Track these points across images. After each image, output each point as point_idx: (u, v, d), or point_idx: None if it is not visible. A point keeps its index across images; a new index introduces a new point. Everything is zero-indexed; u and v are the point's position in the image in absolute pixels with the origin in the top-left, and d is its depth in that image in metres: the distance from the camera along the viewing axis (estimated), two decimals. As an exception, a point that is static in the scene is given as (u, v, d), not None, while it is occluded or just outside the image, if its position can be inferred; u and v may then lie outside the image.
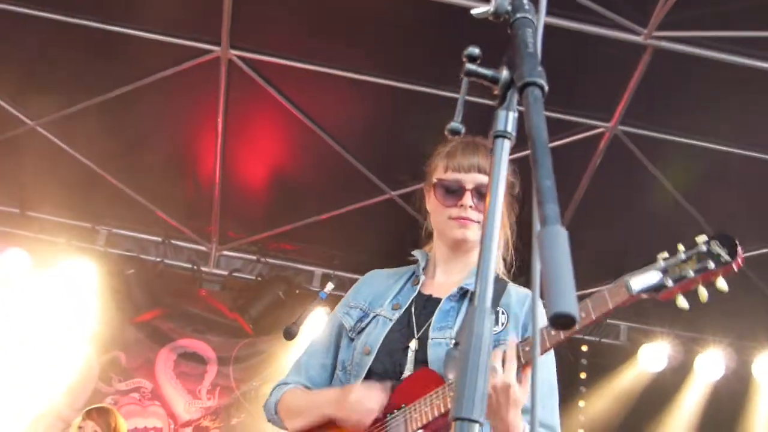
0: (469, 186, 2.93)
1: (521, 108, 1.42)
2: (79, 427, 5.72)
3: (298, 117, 6.51)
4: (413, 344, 2.86)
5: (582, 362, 8.28)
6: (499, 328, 2.86)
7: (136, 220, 7.99)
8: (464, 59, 1.48)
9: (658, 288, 2.53)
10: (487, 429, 2.75)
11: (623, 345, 8.51)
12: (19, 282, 7.75)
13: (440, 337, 2.84)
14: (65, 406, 7.77)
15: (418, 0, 5.62)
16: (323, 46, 6.01)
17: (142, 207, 7.66)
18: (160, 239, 8.15)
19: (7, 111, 6.76)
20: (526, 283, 3.05)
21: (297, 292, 8.11)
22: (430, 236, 3.20)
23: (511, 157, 1.39)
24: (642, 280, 2.53)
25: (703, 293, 2.51)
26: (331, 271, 8.07)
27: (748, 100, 5.90)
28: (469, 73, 1.47)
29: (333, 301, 6.21)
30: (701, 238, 2.55)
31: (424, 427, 2.68)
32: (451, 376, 2.69)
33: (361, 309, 3.07)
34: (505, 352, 2.55)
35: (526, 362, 2.55)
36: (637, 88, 5.86)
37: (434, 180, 3.03)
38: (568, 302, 1.07)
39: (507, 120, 1.41)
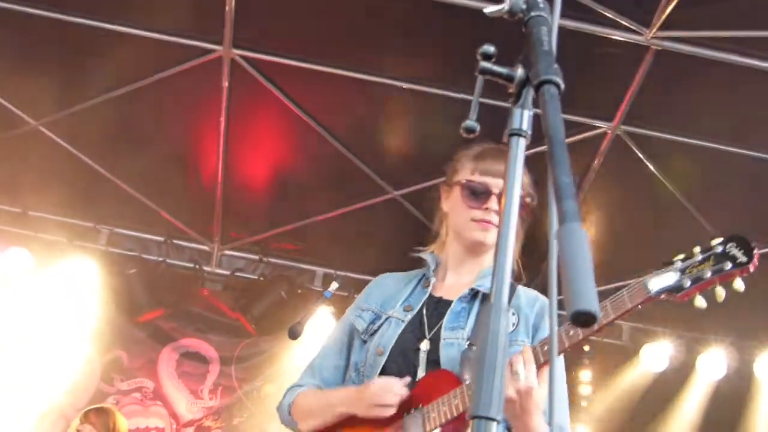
0: (496, 191, 2.95)
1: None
2: (77, 430, 5.67)
3: (300, 116, 6.50)
4: (425, 345, 2.89)
5: (584, 362, 8.29)
6: (510, 328, 2.86)
7: (138, 219, 7.98)
8: (479, 57, 1.48)
9: (677, 289, 2.60)
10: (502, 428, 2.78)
11: (625, 345, 8.51)
12: (20, 281, 7.74)
13: (452, 338, 2.87)
14: (67, 405, 7.77)
15: (420, -1, 5.64)
16: (326, 45, 6.01)
17: (144, 206, 7.65)
18: (162, 239, 8.15)
19: (10, 110, 6.75)
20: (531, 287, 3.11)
21: (299, 291, 8.10)
22: (435, 237, 3.22)
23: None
24: (660, 281, 2.60)
25: (720, 293, 2.58)
26: (333, 271, 8.06)
27: (751, 101, 5.89)
28: (484, 71, 1.47)
29: (337, 300, 6.26)
30: (716, 240, 2.62)
31: (442, 426, 2.71)
32: (467, 377, 2.70)
33: (372, 311, 3.10)
34: (523, 355, 2.58)
35: (544, 362, 2.58)
36: (640, 88, 5.86)
37: (462, 180, 3.03)
38: (589, 300, 1.07)
39: (522, 118, 1.42)
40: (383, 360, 2.91)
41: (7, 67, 6.36)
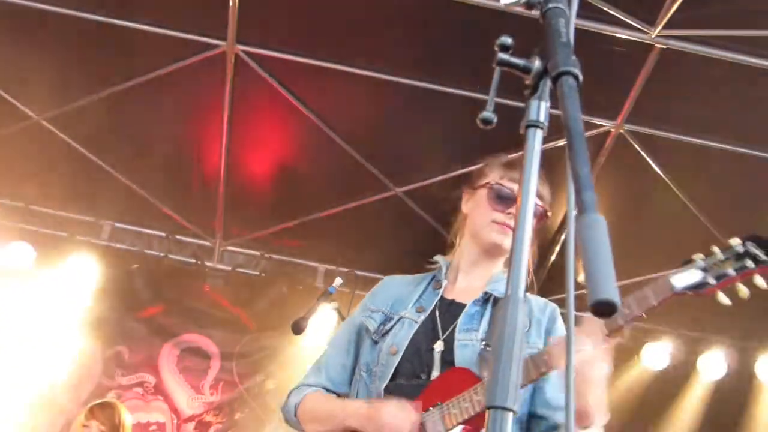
0: None
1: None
2: (84, 426, 5.66)
3: (303, 113, 6.51)
4: (438, 345, 2.91)
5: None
6: None
7: (140, 215, 7.97)
8: (496, 48, 1.48)
9: (701, 286, 2.71)
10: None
11: (626, 343, 8.50)
12: (22, 276, 7.74)
13: (466, 339, 2.90)
14: (68, 400, 7.76)
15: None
16: (330, 42, 6.01)
17: (147, 202, 7.65)
18: (164, 234, 8.14)
19: (13, 105, 6.75)
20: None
21: (300, 288, 8.10)
22: (451, 246, 3.25)
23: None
24: (684, 278, 2.70)
25: (743, 290, 2.71)
26: (335, 268, 8.06)
27: (756, 100, 5.90)
28: (501, 63, 1.47)
29: (340, 296, 6.25)
30: (735, 240, 2.73)
31: (464, 422, 2.73)
32: (486, 374, 2.72)
33: (383, 312, 3.11)
34: (586, 329, 2.61)
35: (637, 314, 2.64)
36: (644, 86, 5.86)
37: (490, 182, 3.06)
38: (609, 289, 1.07)
39: (539, 110, 1.42)
40: (397, 359, 2.92)
41: (10, 62, 6.36)
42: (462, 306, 3.00)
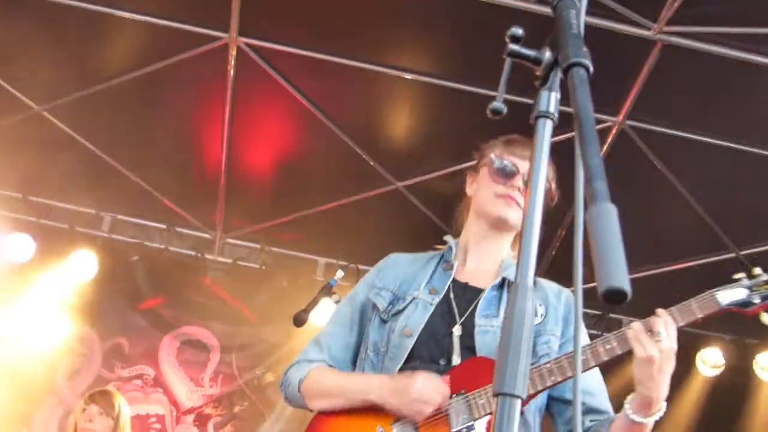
0: (522, 170, 2.96)
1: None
2: (83, 410, 5.67)
3: (305, 106, 6.50)
4: (457, 330, 2.88)
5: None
6: (538, 319, 2.92)
7: (140, 206, 7.98)
8: (507, 39, 1.49)
9: (745, 304, 2.83)
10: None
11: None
12: (22, 267, 7.74)
13: (487, 325, 2.87)
14: (68, 391, 7.78)
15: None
16: (333, 35, 6.00)
17: (147, 194, 7.66)
18: (164, 226, 8.15)
19: (13, 95, 6.75)
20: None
21: (301, 281, 8.11)
22: (456, 231, 3.22)
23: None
24: (729, 295, 2.81)
25: None
26: (335, 261, 8.07)
27: (757, 97, 5.90)
28: (512, 54, 1.48)
29: (340, 290, 6.26)
30: None
31: (492, 413, 2.67)
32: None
33: (391, 291, 3.05)
34: (662, 316, 2.66)
35: (682, 325, 2.70)
36: (646, 82, 5.86)
37: (491, 157, 3.05)
38: (620, 277, 1.08)
39: (549, 100, 1.42)
40: (412, 342, 2.87)
41: (11, 52, 6.35)
42: (477, 290, 2.97)
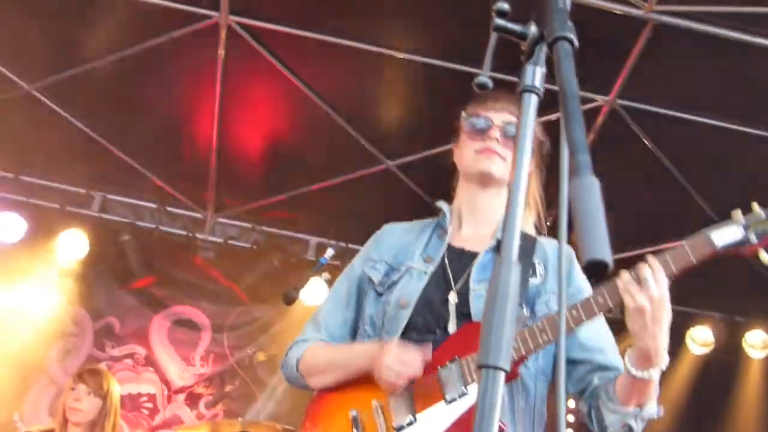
0: (497, 122, 2.93)
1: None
2: (71, 389, 5.65)
3: (297, 85, 6.49)
4: (452, 297, 2.83)
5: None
6: (537, 279, 2.86)
7: (131, 186, 7.96)
8: (493, 14, 1.48)
9: (742, 243, 2.61)
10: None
11: (614, 317, 8.54)
12: (12, 247, 7.72)
13: (481, 290, 2.81)
14: (59, 372, 7.79)
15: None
16: (324, 13, 5.98)
17: (138, 173, 7.64)
18: (155, 206, 8.14)
19: (3, 74, 6.72)
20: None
21: (292, 261, 8.11)
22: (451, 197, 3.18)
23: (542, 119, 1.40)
24: (724, 236, 2.62)
25: None
26: (326, 240, 8.07)
27: (748, 77, 5.90)
28: (498, 28, 1.48)
29: (331, 269, 6.28)
30: None
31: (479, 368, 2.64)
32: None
33: (386, 263, 3.01)
34: (650, 263, 2.54)
35: (675, 271, 2.56)
36: (637, 62, 5.86)
37: (463, 117, 3.03)
38: (602, 249, 1.09)
39: (535, 75, 1.43)
40: (408, 313, 2.83)
41: (1, 31, 6.31)
42: (473, 254, 2.93)
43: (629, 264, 2.58)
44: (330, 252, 5.43)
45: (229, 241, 8.24)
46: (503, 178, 2.92)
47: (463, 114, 3.03)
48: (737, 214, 2.64)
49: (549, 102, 1.44)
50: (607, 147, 6.54)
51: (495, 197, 3.00)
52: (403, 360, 2.69)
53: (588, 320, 2.62)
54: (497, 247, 2.85)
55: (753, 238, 2.59)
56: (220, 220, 8.27)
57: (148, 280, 8.16)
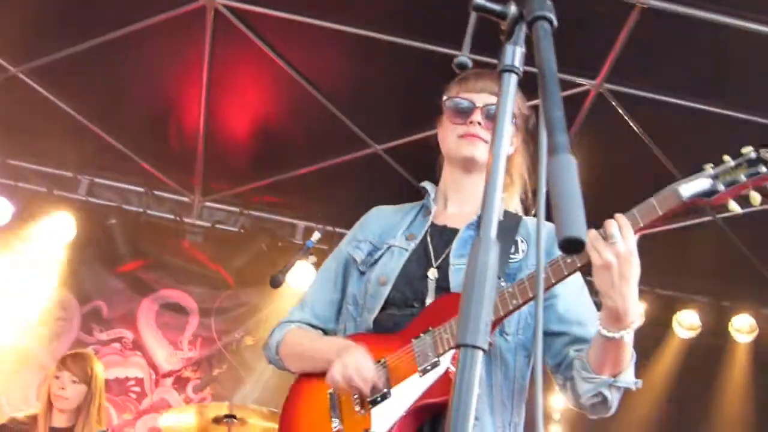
0: (479, 104, 2.92)
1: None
2: (56, 377, 5.64)
3: (284, 69, 6.47)
4: (432, 273, 2.83)
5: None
6: (519, 255, 2.85)
7: (118, 169, 7.95)
8: (472, -7, 1.48)
9: (710, 193, 2.55)
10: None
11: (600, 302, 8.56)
12: (0, 231, 7.70)
13: (462, 264, 2.79)
14: (46, 355, 7.77)
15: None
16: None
17: (125, 157, 7.62)
18: (142, 189, 8.13)
19: (-11, 57, 6.69)
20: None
21: (280, 244, 8.13)
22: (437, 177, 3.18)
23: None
24: (692, 186, 2.56)
25: (755, 197, 2.53)
26: (314, 224, 8.08)
27: (736, 62, 5.91)
28: (477, 8, 1.48)
29: (318, 252, 6.29)
30: (747, 148, 2.57)
31: (456, 347, 2.60)
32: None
33: (371, 242, 3.03)
34: (617, 219, 2.48)
35: (643, 225, 2.51)
36: (624, 46, 5.85)
37: (444, 99, 3.01)
38: (578, 227, 1.09)
39: (514, 55, 1.43)
40: (387, 290, 2.83)
41: (-15, 14, 6.28)
42: (454, 231, 2.92)
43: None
44: (317, 235, 5.41)
45: (217, 225, 8.24)
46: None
47: (444, 96, 3.02)
48: (708, 166, 2.60)
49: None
50: (594, 131, 6.55)
51: (479, 180, 2.97)
52: (359, 371, 2.68)
53: (558, 282, 2.56)
54: (479, 224, 2.87)
55: (721, 187, 2.54)
56: (208, 204, 8.27)
57: (136, 264, 8.15)
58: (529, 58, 1.42)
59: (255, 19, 6.14)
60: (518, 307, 2.59)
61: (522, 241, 2.89)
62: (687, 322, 8.39)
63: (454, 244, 2.87)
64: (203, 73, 6.57)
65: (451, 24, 5.84)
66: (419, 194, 3.21)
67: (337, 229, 7.81)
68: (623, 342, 2.51)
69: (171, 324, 8.21)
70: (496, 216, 1.32)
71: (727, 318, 8.42)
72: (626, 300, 2.44)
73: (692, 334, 8.42)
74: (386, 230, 3.05)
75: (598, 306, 2.60)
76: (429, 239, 2.93)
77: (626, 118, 6.44)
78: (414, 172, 7.11)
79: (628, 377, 2.62)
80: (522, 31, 1.43)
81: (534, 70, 1.32)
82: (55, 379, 5.61)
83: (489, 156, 1.35)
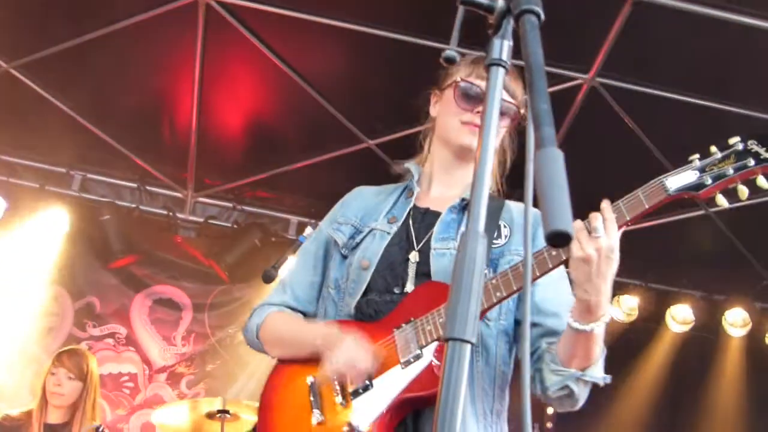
0: None
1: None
2: (51, 374, 5.64)
3: (276, 64, 6.46)
4: (413, 256, 2.77)
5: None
6: (502, 240, 2.79)
7: (111, 165, 7.94)
8: (460, -13, 1.48)
9: (697, 187, 2.52)
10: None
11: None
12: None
13: (443, 248, 2.76)
14: (39, 351, 7.76)
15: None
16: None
17: (118, 152, 7.61)
18: (135, 185, 8.12)
19: (-19, 53, 6.68)
20: (520, 198, 3.01)
21: (273, 239, 8.12)
22: (420, 151, 3.12)
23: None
24: (679, 180, 2.52)
25: (743, 191, 2.49)
26: (307, 219, 8.08)
27: (729, 55, 5.91)
28: (465, 2, 1.47)
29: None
30: (734, 139, 2.53)
31: (439, 339, 2.55)
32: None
33: (352, 225, 2.96)
34: (602, 212, 2.43)
35: (629, 219, 2.47)
36: (617, 39, 5.86)
37: (457, 79, 2.91)
38: (564, 220, 1.09)
39: (502, 48, 1.42)
40: (369, 274, 2.77)
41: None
42: (437, 214, 2.86)
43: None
44: (309, 230, 5.38)
45: (210, 221, 8.24)
46: None
47: (459, 78, 2.90)
48: (694, 157, 2.57)
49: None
50: (587, 125, 6.56)
51: (469, 167, 2.93)
52: (352, 361, 2.62)
53: (543, 274, 2.52)
54: (464, 207, 2.84)
55: (708, 181, 2.51)
56: (201, 199, 8.26)
57: (129, 260, 8.14)
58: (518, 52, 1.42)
59: (247, 14, 6.14)
60: (502, 299, 2.55)
61: (505, 226, 2.84)
62: (680, 317, 8.41)
63: (436, 228, 2.81)
64: (195, 68, 6.56)
65: (446, 20, 5.87)
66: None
67: (331, 224, 7.79)
68: (593, 335, 2.48)
69: (164, 319, 8.21)
70: (484, 206, 1.31)
71: (720, 312, 8.44)
72: (600, 296, 2.42)
73: (685, 328, 8.44)
74: (368, 212, 2.99)
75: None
76: (411, 222, 2.87)
77: (619, 111, 6.44)
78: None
79: (596, 372, 2.59)
80: (509, 24, 1.42)
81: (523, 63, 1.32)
82: (51, 376, 5.61)
83: (477, 149, 1.34)
